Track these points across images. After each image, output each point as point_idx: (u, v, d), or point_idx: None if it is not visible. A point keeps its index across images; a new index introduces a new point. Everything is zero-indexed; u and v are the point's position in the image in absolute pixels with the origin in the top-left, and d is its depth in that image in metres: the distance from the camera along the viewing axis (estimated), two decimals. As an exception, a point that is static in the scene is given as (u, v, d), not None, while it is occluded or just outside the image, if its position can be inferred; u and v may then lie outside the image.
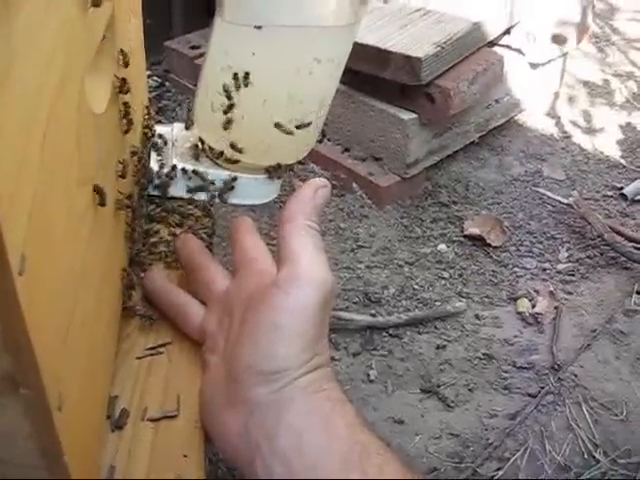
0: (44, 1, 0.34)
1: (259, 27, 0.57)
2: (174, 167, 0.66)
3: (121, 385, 0.54)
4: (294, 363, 0.47)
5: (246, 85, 0.59)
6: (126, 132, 0.57)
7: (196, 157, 0.67)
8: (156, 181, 0.66)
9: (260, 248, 0.59)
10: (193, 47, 1.96)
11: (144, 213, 0.67)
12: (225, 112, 0.61)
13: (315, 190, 0.53)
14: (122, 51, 0.54)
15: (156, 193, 0.67)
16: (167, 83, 2.01)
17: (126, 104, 0.55)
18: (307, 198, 0.53)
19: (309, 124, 0.62)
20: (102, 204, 0.46)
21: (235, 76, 0.59)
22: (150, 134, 0.66)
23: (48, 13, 0.35)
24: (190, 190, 0.66)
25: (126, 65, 0.54)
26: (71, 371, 0.38)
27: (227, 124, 0.61)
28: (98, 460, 0.47)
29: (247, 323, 0.50)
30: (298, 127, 0.61)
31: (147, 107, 0.68)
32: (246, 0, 0.60)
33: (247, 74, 0.59)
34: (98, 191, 0.45)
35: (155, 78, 2.00)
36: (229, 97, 0.60)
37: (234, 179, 0.65)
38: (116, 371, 0.55)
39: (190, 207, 0.70)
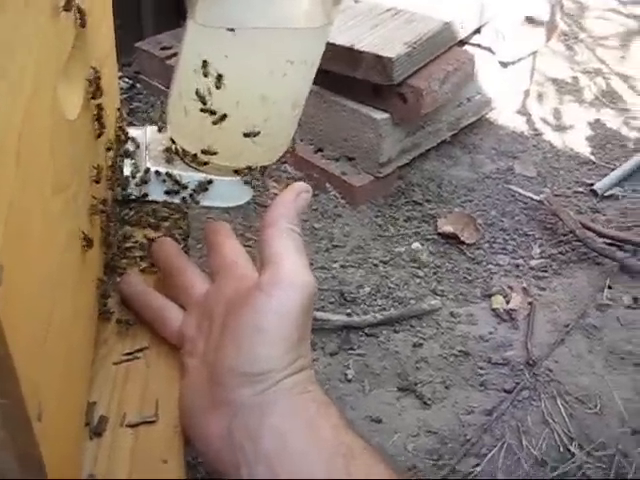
0: (17, 9, 0.34)
1: (232, 29, 0.57)
2: (147, 170, 0.66)
3: (99, 391, 0.53)
4: (278, 365, 0.47)
5: (219, 87, 0.59)
6: (99, 136, 0.56)
7: (170, 160, 0.66)
8: (130, 184, 0.66)
9: (239, 252, 0.59)
10: (164, 48, 1.95)
11: (118, 217, 0.67)
12: (203, 110, 0.60)
13: (297, 194, 0.54)
14: (94, 68, 0.54)
15: (130, 196, 0.67)
16: (138, 85, 2.00)
17: (99, 106, 0.55)
18: (289, 202, 0.53)
19: (258, 133, 0.61)
20: (89, 247, 0.50)
21: (204, 64, 0.58)
22: (123, 137, 0.66)
23: (20, 20, 0.34)
24: (165, 193, 0.66)
25: (98, 79, 0.53)
26: (49, 379, 0.38)
27: (220, 120, 0.60)
28: (78, 468, 0.47)
29: (229, 326, 0.50)
30: (246, 135, 0.61)
31: (119, 109, 0.67)
32: (218, 2, 0.60)
33: (220, 76, 0.59)
34: (85, 238, 0.49)
35: (126, 80, 1.98)
36: (203, 102, 0.59)
37: (209, 182, 0.65)
38: (94, 377, 0.54)
39: (164, 210, 0.70)
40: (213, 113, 0.60)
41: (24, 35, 0.35)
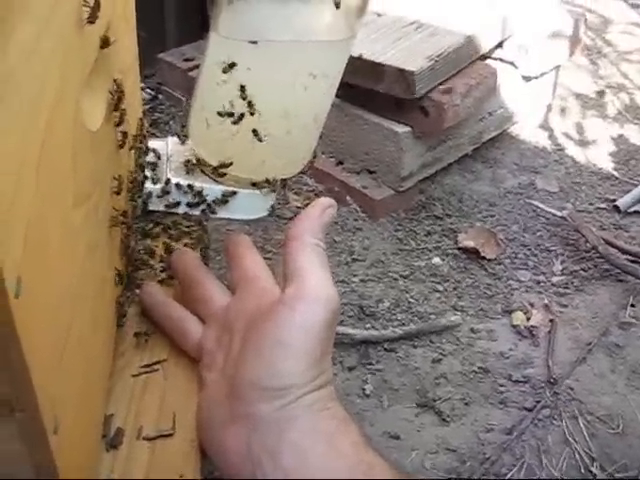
0: (40, 19, 0.34)
1: (254, 42, 0.57)
2: (168, 181, 0.66)
3: (116, 403, 0.53)
4: (299, 380, 0.47)
5: (245, 98, 0.59)
6: (121, 147, 0.56)
7: (191, 172, 0.66)
8: (151, 196, 0.66)
9: (260, 266, 0.59)
10: (186, 59, 1.96)
11: (138, 228, 0.67)
12: (234, 122, 0.60)
13: (323, 209, 0.54)
14: (116, 80, 0.54)
15: (151, 208, 0.67)
16: (160, 96, 2.01)
17: (121, 117, 0.55)
18: (314, 217, 0.53)
19: (261, 140, 0.60)
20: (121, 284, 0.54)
21: (232, 65, 0.58)
22: (144, 147, 0.66)
23: (44, 31, 0.34)
24: (186, 205, 0.66)
25: (120, 92, 0.54)
26: (67, 392, 0.38)
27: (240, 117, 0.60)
28: (93, 481, 0.46)
29: (251, 340, 0.49)
30: (254, 131, 0.60)
31: (141, 119, 0.67)
32: (241, 15, 0.60)
33: (243, 87, 0.59)
34: (118, 274, 0.53)
35: (148, 90, 1.99)
36: (230, 114, 0.59)
37: (233, 193, 0.65)
38: (111, 389, 0.54)
39: (184, 221, 0.70)
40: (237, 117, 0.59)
41: (47, 46, 0.35)
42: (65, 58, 0.39)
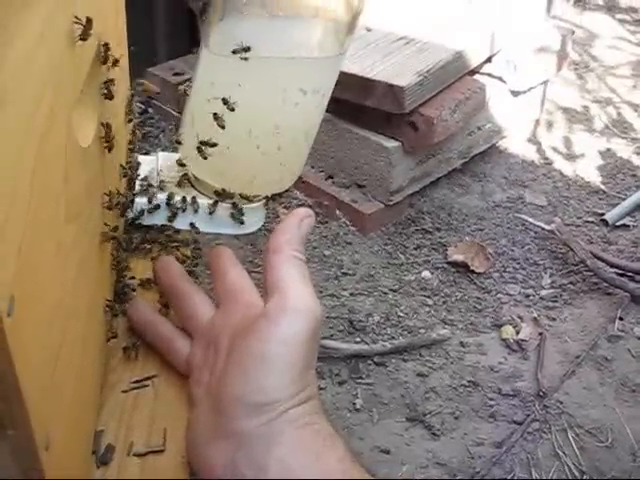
0: (34, 38, 0.34)
1: (245, 58, 0.57)
2: (157, 196, 0.66)
3: (107, 419, 0.53)
4: (283, 395, 0.46)
5: (232, 110, 0.59)
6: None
7: (180, 186, 0.66)
8: (141, 211, 0.66)
9: (244, 279, 0.58)
10: (176, 74, 1.97)
11: (129, 243, 0.66)
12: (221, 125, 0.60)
13: (300, 220, 0.53)
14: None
15: (141, 222, 0.67)
16: (150, 110, 2.01)
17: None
18: (292, 228, 0.53)
19: (215, 145, 0.61)
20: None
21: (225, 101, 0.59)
22: (134, 163, 0.66)
23: (37, 49, 0.35)
24: (171, 219, 0.66)
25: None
26: (58, 409, 0.38)
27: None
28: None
29: (234, 355, 0.49)
30: (201, 143, 0.61)
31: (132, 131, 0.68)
32: (232, 31, 0.60)
33: (225, 100, 0.59)
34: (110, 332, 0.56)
35: (138, 105, 2.00)
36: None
37: (235, 205, 0.65)
38: (102, 405, 0.54)
39: (175, 236, 0.70)
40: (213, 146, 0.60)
41: (40, 63, 0.35)
42: (58, 75, 0.39)
